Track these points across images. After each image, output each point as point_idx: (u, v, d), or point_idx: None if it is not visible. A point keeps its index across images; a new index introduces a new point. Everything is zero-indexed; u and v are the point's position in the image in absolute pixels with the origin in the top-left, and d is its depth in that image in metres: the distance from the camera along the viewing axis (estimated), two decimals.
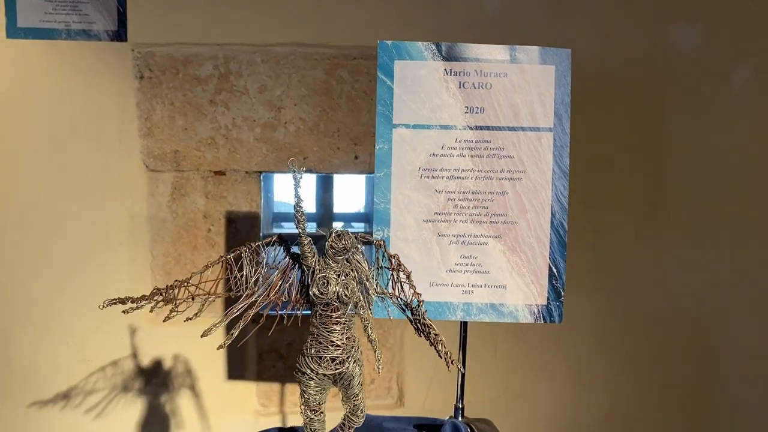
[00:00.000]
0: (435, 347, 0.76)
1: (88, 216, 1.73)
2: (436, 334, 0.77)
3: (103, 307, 0.73)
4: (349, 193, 2.14)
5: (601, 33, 1.74)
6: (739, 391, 1.96)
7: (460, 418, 1.04)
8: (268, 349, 1.84)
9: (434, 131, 0.99)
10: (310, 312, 0.78)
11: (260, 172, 1.80)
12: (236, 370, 1.83)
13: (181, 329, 1.79)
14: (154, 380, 1.79)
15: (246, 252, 0.79)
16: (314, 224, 2.00)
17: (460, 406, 1.06)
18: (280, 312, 0.77)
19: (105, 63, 1.70)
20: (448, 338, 1.79)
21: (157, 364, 1.78)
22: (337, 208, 2.03)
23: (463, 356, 1.06)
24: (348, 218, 2.12)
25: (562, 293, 1.01)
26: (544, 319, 1.02)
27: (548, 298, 1.02)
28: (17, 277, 1.71)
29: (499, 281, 1.01)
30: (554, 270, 1.01)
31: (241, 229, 1.81)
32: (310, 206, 2.61)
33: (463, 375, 1.07)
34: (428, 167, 1.00)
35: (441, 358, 0.77)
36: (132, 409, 1.78)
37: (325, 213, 2.00)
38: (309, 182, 2.58)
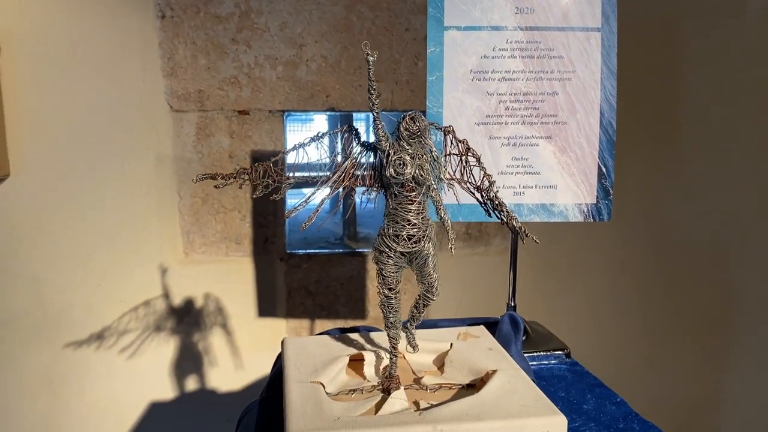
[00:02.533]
0: (508, 224, 0.79)
1: (115, 157, 1.73)
2: (508, 212, 0.79)
3: (196, 180, 0.75)
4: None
5: None
6: (759, 315, 2.01)
7: None
8: (297, 287, 1.86)
9: (485, 33, 1.00)
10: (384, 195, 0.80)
11: (283, 111, 1.81)
12: (266, 307, 1.85)
13: (212, 268, 1.82)
14: (186, 319, 1.81)
15: (318, 140, 0.80)
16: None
17: (513, 303, 1.09)
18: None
19: (126, 2, 1.69)
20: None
21: (189, 304, 1.81)
22: None
23: (514, 258, 1.09)
24: None
25: (611, 191, 1.04)
26: (593, 217, 1.04)
27: (597, 197, 1.04)
28: (47, 219, 1.71)
29: (550, 181, 1.04)
30: (603, 169, 1.03)
31: (271, 192, 1.82)
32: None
33: (514, 276, 1.10)
34: (480, 69, 1.01)
35: (513, 233, 0.79)
36: (165, 348, 1.80)
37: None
38: (322, 123, 2.59)
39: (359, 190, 0.83)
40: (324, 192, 0.83)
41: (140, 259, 1.78)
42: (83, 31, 1.67)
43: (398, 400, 0.78)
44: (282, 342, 0.95)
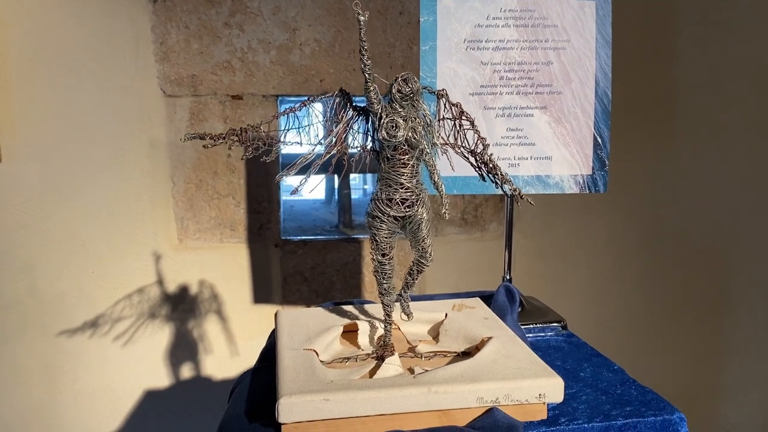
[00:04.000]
0: (502, 186, 0.78)
1: (108, 143, 1.71)
2: (503, 175, 0.78)
3: (184, 140, 0.73)
4: None
5: None
6: (754, 301, 2.01)
7: None
8: (292, 272, 1.85)
9: (479, 1, 0.99)
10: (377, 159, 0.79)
11: (277, 96, 1.79)
12: (261, 294, 1.84)
13: (206, 255, 1.81)
14: (181, 306, 1.79)
15: (310, 104, 0.79)
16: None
17: (508, 277, 1.08)
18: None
19: None
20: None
21: (183, 290, 1.79)
22: None
23: (509, 230, 1.08)
24: None
25: (607, 162, 1.03)
26: (589, 189, 1.03)
27: (593, 168, 1.03)
28: (39, 206, 1.70)
29: (545, 152, 1.03)
30: (599, 139, 1.02)
31: (262, 154, 1.80)
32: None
33: (510, 252, 1.08)
34: (473, 38, 1.00)
35: (507, 195, 0.78)
36: (160, 336, 1.79)
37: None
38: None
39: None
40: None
41: (134, 246, 1.76)
42: (74, 16, 1.66)
43: (392, 365, 0.77)
44: (275, 314, 0.94)
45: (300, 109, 0.79)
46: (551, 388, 0.71)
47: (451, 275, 1.90)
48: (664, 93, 1.93)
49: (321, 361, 0.78)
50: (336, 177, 2.26)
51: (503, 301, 0.96)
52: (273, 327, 1.34)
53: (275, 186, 1.82)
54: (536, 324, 1.01)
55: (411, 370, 0.77)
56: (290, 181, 0.83)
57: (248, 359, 1.83)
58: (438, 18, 0.99)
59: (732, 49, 1.88)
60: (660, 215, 1.98)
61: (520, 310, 1.02)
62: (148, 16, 1.70)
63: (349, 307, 0.94)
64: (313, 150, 0.79)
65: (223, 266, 1.81)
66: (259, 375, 0.83)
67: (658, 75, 1.91)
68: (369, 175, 2.60)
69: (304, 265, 1.86)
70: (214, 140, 0.73)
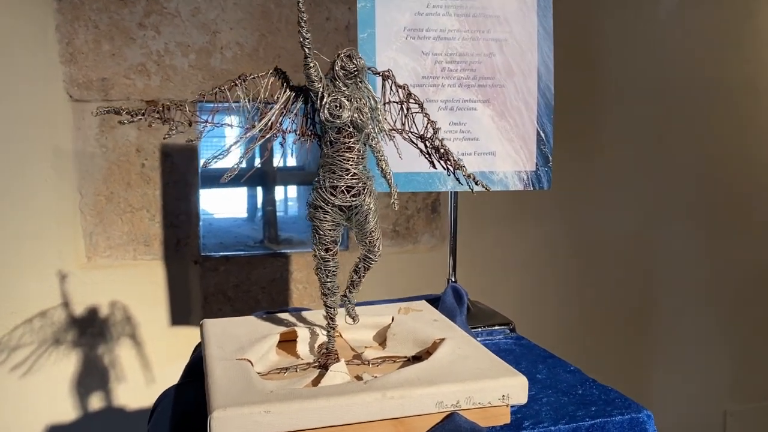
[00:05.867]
0: (454, 172, 0.72)
1: (7, 152, 1.55)
2: (456, 160, 0.72)
3: (96, 114, 0.63)
4: None
5: None
6: (676, 311, 2.06)
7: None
8: (213, 291, 1.73)
9: None
10: (319, 143, 0.72)
11: (196, 102, 1.69)
12: (180, 315, 1.71)
13: (118, 273, 1.66)
14: (90, 330, 1.63)
15: (241, 83, 0.71)
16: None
17: (453, 280, 1.02)
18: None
19: None
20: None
21: (92, 313, 1.63)
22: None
23: (454, 228, 1.03)
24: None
25: (550, 158, 1.00)
26: (533, 185, 1.00)
27: (537, 164, 1.00)
28: None
29: (489, 148, 0.98)
30: (542, 135, 0.99)
31: (179, 163, 1.69)
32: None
33: (454, 252, 1.03)
34: (414, 27, 0.95)
35: (461, 183, 0.72)
36: (65, 363, 1.62)
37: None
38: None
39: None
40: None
41: (36, 265, 1.59)
42: None
43: (339, 373, 0.69)
44: (201, 324, 0.84)
45: (230, 89, 0.71)
46: (515, 388, 0.65)
47: (383, 289, 1.82)
48: (590, 106, 1.96)
49: (257, 373, 0.69)
50: (260, 189, 2.15)
51: (451, 302, 0.90)
52: (196, 344, 1.23)
53: (194, 198, 1.70)
54: (484, 327, 0.96)
55: (359, 378, 0.69)
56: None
57: (166, 386, 1.69)
58: (376, 4, 0.93)
59: (659, 50, 1.94)
60: (590, 218, 2.00)
61: (466, 313, 0.96)
62: (52, 15, 1.57)
63: (284, 315, 0.86)
64: (245, 134, 0.70)
65: (137, 285, 1.67)
66: (184, 391, 0.73)
67: (589, 72, 1.94)
68: (295, 188, 2.51)
69: (227, 282, 1.74)
70: (132, 116, 0.63)
